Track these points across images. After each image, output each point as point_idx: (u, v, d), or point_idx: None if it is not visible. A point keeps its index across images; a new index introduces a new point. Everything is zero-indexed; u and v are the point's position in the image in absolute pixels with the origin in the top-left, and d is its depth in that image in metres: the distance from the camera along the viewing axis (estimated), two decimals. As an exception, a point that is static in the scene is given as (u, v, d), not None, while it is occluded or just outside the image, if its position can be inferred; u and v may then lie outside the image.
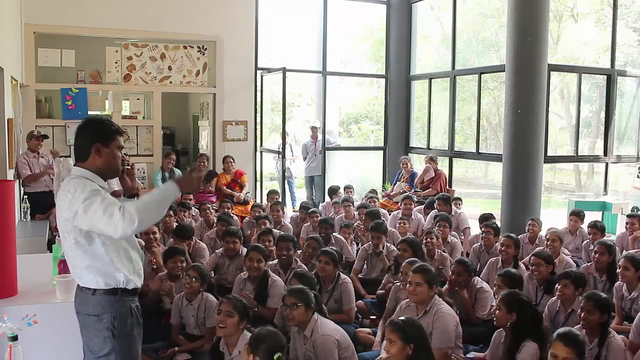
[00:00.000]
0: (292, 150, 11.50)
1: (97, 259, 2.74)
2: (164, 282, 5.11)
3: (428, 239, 6.21)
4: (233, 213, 8.46)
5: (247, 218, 8.39)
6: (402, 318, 3.49)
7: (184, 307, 4.73)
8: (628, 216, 7.22)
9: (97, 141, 2.81)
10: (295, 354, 3.95)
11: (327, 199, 9.55)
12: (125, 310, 2.82)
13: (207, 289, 4.78)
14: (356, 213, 8.10)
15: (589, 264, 5.79)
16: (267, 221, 7.05)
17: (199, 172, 2.96)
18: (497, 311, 3.88)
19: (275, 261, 5.65)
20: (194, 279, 4.63)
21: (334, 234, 6.95)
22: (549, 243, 6.06)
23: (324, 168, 10.91)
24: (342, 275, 5.31)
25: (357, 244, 7.25)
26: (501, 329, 3.98)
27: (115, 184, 7.99)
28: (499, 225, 7.39)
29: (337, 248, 6.73)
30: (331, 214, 8.37)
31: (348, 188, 9.36)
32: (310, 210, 7.82)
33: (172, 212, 7.02)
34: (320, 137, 10.82)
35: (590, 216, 7.74)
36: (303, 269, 5.19)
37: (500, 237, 6.23)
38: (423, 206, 8.63)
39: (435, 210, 8.05)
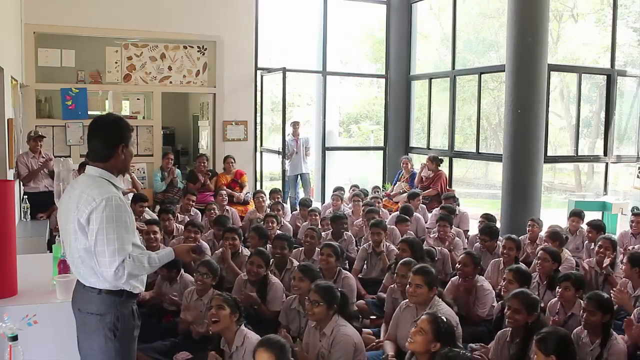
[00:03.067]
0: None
1: None
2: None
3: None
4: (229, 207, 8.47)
5: (250, 210, 8.44)
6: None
7: (192, 301, 4.75)
8: (634, 214, 7.19)
9: (122, 142, 2.86)
10: (307, 348, 3.98)
11: (328, 199, 9.53)
12: (127, 311, 2.83)
13: (218, 283, 4.82)
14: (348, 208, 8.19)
15: (591, 258, 5.81)
16: (274, 219, 7.12)
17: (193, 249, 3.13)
18: (517, 315, 3.83)
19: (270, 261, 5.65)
20: (205, 275, 4.70)
21: (346, 232, 7.02)
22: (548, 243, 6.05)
23: (323, 169, 10.89)
24: (344, 271, 5.38)
25: (357, 244, 7.24)
26: (506, 329, 3.98)
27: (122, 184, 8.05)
28: (498, 225, 7.39)
29: (347, 245, 6.82)
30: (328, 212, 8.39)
31: (339, 190, 9.33)
32: (310, 209, 7.82)
33: (171, 214, 7.02)
34: (301, 134, 10.71)
35: (590, 216, 7.73)
36: (307, 263, 5.18)
37: (501, 238, 6.23)
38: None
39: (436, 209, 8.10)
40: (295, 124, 10.72)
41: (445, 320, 3.47)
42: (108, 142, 2.84)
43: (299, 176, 10.73)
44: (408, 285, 4.27)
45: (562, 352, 3.26)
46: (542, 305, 4.77)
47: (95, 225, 2.66)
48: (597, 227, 6.75)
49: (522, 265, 5.06)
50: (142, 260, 2.76)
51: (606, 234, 6.78)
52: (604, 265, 5.54)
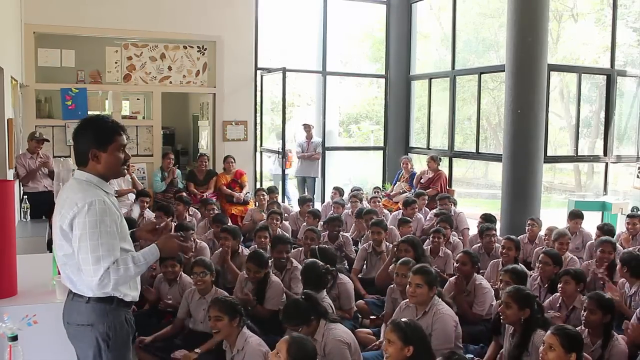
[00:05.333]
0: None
1: None
2: None
3: (435, 238, 6.29)
4: (232, 213, 8.46)
5: (250, 208, 8.44)
6: (403, 319, 3.49)
7: (195, 301, 4.74)
8: (628, 216, 7.20)
9: (93, 147, 2.63)
10: None
11: (328, 199, 9.52)
12: (120, 320, 2.68)
13: (216, 279, 4.81)
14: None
15: (589, 261, 5.79)
16: (278, 216, 7.11)
17: (174, 237, 2.83)
18: (507, 309, 3.84)
19: (270, 261, 5.64)
20: (202, 274, 4.66)
21: (341, 233, 6.97)
22: (557, 245, 6.03)
23: (323, 169, 10.87)
24: (341, 276, 5.30)
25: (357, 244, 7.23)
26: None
27: (116, 184, 8.06)
28: (498, 225, 7.39)
29: (344, 246, 6.79)
30: (330, 213, 8.40)
31: (337, 190, 9.31)
32: (308, 211, 7.80)
33: (164, 212, 7.01)
34: (314, 137, 10.72)
35: (590, 216, 7.72)
36: (310, 261, 5.13)
37: (500, 239, 6.23)
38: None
39: (436, 209, 8.09)
40: (307, 127, 10.65)
41: (408, 322, 3.44)
42: (80, 146, 2.67)
43: (305, 179, 10.71)
44: (408, 285, 4.26)
45: (580, 350, 3.30)
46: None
47: (78, 231, 2.50)
48: (608, 232, 6.65)
49: (518, 266, 5.05)
50: (127, 262, 2.55)
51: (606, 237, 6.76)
52: (599, 275, 5.51)
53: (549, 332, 3.33)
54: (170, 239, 2.78)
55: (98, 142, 2.65)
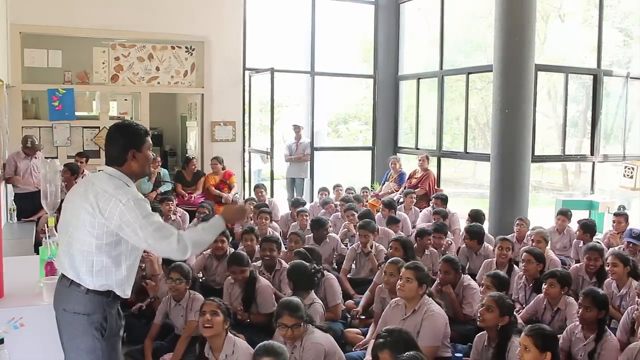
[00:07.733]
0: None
1: (109, 265, 2.76)
2: None
3: (425, 239, 6.31)
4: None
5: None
6: (389, 328, 3.47)
7: (172, 307, 4.71)
8: (615, 214, 7.26)
9: (131, 148, 2.86)
10: None
11: (316, 199, 9.52)
12: (114, 311, 2.84)
13: (192, 286, 4.77)
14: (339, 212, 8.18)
15: (578, 264, 5.81)
16: (268, 215, 7.07)
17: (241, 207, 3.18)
18: (488, 313, 3.85)
19: (259, 262, 5.62)
20: (177, 281, 4.62)
21: (329, 234, 6.90)
22: (534, 244, 6.07)
23: (312, 169, 10.87)
24: (326, 273, 5.30)
25: (347, 244, 7.23)
26: (482, 332, 3.99)
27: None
28: (487, 224, 7.42)
29: (331, 247, 6.76)
30: (321, 212, 8.41)
31: (323, 190, 9.33)
32: (299, 210, 7.78)
33: (170, 202, 7.01)
34: (303, 138, 10.71)
35: (578, 215, 7.78)
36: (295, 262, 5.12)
37: (490, 236, 6.24)
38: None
39: (431, 208, 8.12)
40: (296, 128, 10.64)
41: (402, 330, 3.45)
42: (117, 147, 2.87)
43: (294, 180, 10.69)
44: (399, 280, 4.27)
45: (555, 349, 3.32)
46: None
47: (135, 223, 2.68)
48: (586, 227, 6.74)
49: (500, 272, 5.05)
50: (196, 230, 2.91)
51: (593, 236, 6.80)
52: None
53: (523, 333, 3.36)
54: (231, 208, 3.14)
55: (134, 142, 2.88)
